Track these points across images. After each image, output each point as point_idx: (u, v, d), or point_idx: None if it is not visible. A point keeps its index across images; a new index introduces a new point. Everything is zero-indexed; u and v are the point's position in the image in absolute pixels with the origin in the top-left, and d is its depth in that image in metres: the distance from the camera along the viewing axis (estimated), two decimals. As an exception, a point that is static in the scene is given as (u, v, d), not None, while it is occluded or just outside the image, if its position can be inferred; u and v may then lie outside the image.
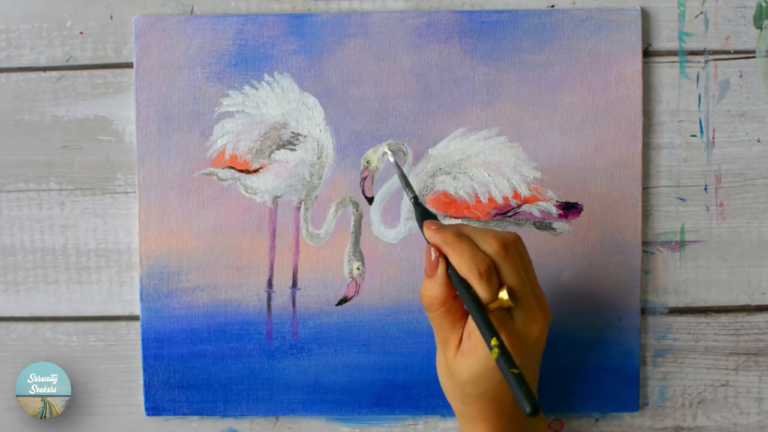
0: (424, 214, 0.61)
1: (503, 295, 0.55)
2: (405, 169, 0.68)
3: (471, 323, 0.56)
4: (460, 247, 0.56)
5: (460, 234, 0.57)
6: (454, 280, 0.57)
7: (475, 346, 0.56)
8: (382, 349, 0.69)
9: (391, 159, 0.67)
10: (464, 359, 0.57)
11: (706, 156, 0.69)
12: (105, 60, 0.69)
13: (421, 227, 0.60)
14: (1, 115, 0.69)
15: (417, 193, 0.66)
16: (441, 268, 0.57)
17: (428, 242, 0.59)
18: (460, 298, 0.57)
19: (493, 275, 0.56)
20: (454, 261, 0.56)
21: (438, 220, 0.61)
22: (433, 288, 0.57)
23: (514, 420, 0.59)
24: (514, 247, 0.57)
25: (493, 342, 0.53)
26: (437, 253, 0.57)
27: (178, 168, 0.68)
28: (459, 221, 0.68)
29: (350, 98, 0.68)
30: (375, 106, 0.68)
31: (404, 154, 0.68)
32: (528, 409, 0.51)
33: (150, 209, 0.68)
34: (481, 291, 0.55)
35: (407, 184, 0.64)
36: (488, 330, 0.54)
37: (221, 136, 0.68)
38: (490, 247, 0.56)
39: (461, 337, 0.58)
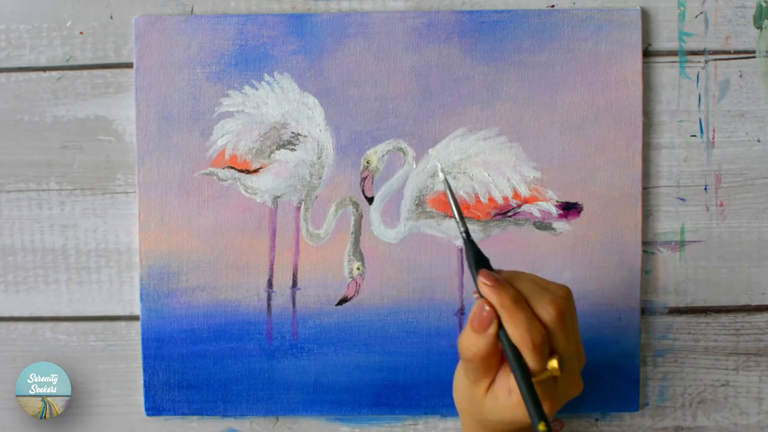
0: (478, 260, 0.56)
1: (553, 364, 0.53)
2: (405, 169, 0.67)
3: (512, 379, 0.54)
4: (517, 316, 0.53)
5: (518, 299, 0.54)
6: (504, 345, 0.54)
7: (515, 405, 0.54)
8: (382, 349, 0.69)
9: (441, 176, 0.59)
10: (497, 405, 0.55)
11: (706, 156, 0.69)
12: (105, 60, 0.69)
13: (472, 273, 0.56)
14: (1, 115, 0.69)
15: (462, 222, 0.58)
16: (492, 329, 0.54)
17: (479, 294, 0.55)
18: (508, 363, 0.54)
19: (546, 346, 0.53)
20: (509, 328, 0.53)
21: (489, 263, 0.56)
22: (479, 344, 0.54)
23: None
24: (569, 311, 0.55)
25: (541, 427, 0.52)
26: (491, 312, 0.54)
27: (178, 168, 0.68)
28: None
29: (350, 98, 0.68)
30: (375, 106, 0.68)
31: (404, 154, 0.68)
32: None
33: (150, 209, 0.68)
34: (532, 362, 0.53)
35: (460, 217, 0.57)
36: (536, 411, 0.52)
37: (221, 136, 0.68)
38: (547, 314, 0.54)
39: (494, 378, 0.56)
